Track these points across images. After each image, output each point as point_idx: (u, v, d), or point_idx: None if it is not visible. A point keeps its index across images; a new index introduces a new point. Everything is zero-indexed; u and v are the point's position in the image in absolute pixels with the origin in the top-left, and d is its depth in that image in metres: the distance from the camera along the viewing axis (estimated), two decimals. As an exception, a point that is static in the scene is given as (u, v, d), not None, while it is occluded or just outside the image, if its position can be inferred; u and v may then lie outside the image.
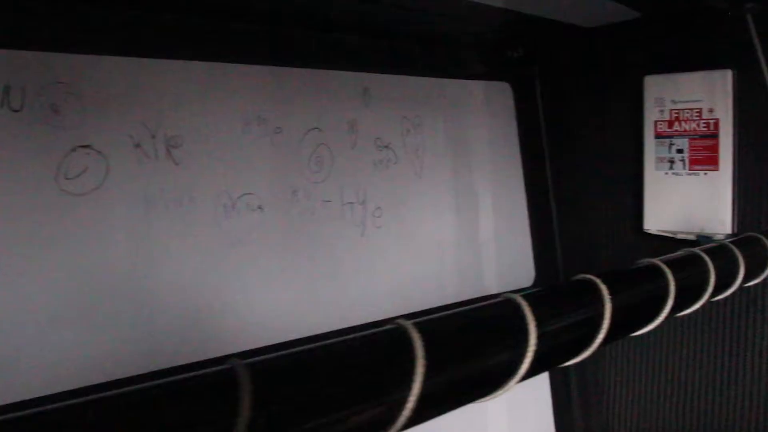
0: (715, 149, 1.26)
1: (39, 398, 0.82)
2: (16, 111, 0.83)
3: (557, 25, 1.32)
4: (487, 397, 0.53)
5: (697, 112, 1.28)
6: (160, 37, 0.98)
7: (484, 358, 0.53)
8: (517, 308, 0.55)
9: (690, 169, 1.29)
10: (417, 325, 0.48)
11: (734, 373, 1.30)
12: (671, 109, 1.31)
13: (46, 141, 0.85)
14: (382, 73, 1.26)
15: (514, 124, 1.52)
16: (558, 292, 0.71)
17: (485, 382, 0.53)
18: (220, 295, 1.02)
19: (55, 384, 0.84)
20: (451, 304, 1.34)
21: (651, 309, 0.73)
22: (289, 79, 1.11)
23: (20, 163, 0.83)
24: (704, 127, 1.27)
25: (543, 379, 1.57)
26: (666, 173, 1.32)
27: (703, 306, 0.81)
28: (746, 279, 0.89)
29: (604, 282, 0.65)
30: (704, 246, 0.87)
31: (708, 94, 1.26)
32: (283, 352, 0.43)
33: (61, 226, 0.86)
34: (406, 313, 1.23)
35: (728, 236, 1.22)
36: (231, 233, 1.03)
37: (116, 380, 0.88)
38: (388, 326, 0.48)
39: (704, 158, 1.27)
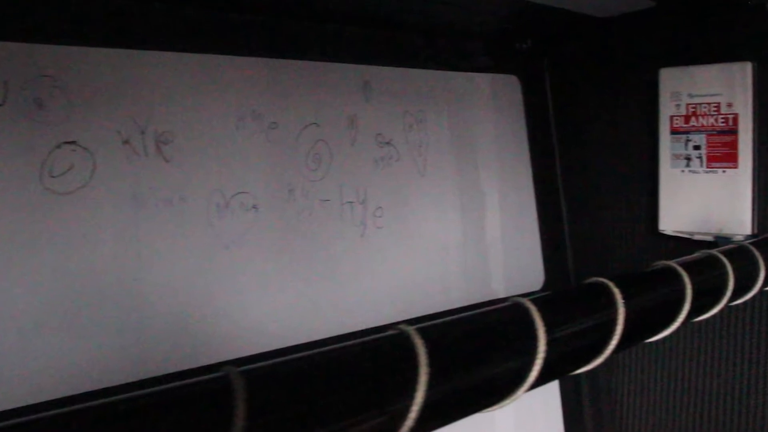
0: (734, 146, 1.26)
1: (21, 408, 0.82)
2: (-2, 105, 0.83)
3: (567, 15, 1.32)
4: (494, 407, 0.53)
5: (715, 107, 1.27)
6: (150, 28, 0.98)
7: (490, 365, 0.53)
8: (526, 313, 0.55)
9: (707, 167, 1.29)
10: (420, 330, 0.48)
11: (754, 381, 1.30)
12: (688, 104, 1.30)
13: (29, 137, 0.85)
14: (384, 65, 1.26)
15: (522, 119, 1.52)
16: (568, 296, 0.71)
17: (492, 391, 0.53)
18: (213, 299, 1.02)
19: (38, 393, 0.84)
20: (456, 309, 1.34)
21: (666, 314, 0.73)
22: (285, 71, 1.11)
23: (2, 161, 0.83)
24: (723, 122, 1.27)
25: (553, 388, 1.57)
26: (682, 171, 1.32)
27: (721, 311, 0.81)
28: (767, 282, 0.89)
29: (617, 285, 0.64)
30: (722, 248, 0.87)
31: (727, 88, 1.26)
32: (280, 359, 0.43)
33: (45, 226, 0.86)
34: (408, 318, 1.23)
35: (748, 237, 1.22)
36: (224, 234, 1.03)
37: (103, 389, 0.88)
38: (389, 332, 0.48)
39: (723, 155, 1.27)
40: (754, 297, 0.89)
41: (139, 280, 0.94)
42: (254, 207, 1.06)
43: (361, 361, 0.46)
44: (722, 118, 1.27)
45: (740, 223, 1.26)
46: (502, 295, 1.45)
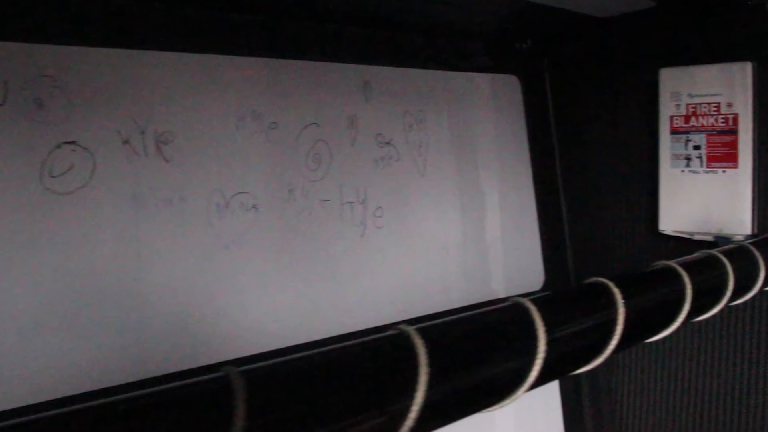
0: (734, 146, 1.26)
1: (20, 408, 0.82)
2: (-2, 105, 0.83)
3: (568, 15, 1.32)
4: (494, 407, 0.53)
5: (715, 107, 1.27)
6: (150, 28, 0.98)
7: (490, 365, 0.53)
8: (526, 313, 0.55)
9: (707, 167, 1.29)
10: (420, 330, 0.48)
11: (754, 381, 1.30)
12: (688, 104, 1.30)
13: (29, 137, 0.85)
14: (384, 65, 1.26)
15: (522, 119, 1.52)
16: (568, 296, 0.71)
17: (492, 391, 0.53)
18: (213, 299, 1.02)
19: (38, 393, 0.84)
20: (456, 309, 1.34)
21: (666, 314, 0.73)
22: (285, 71, 1.11)
23: (2, 161, 0.83)
24: (723, 122, 1.27)
25: (553, 388, 1.57)
26: (682, 171, 1.32)
27: (721, 311, 0.81)
28: (767, 282, 0.89)
29: (617, 285, 0.64)
30: (722, 248, 0.87)
31: (727, 88, 1.26)
32: (280, 359, 0.43)
33: (45, 226, 0.86)
34: (408, 318, 1.23)
35: (748, 237, 1.22)
36: (224, 234, 1.03)
37: (103, 389, 0.88)
38: (389, 332, 0.48)
39: (723, 155, 1.27)
40: (754, 297, 0.89)
41: (139, 280, 0.94)
42: (254, 207, 1.06)
43: (361, 361, 0.46)
44: (722, 118, 1.27)
45: (740, 223, 1.26)
46: (502, 295, 1.45)
